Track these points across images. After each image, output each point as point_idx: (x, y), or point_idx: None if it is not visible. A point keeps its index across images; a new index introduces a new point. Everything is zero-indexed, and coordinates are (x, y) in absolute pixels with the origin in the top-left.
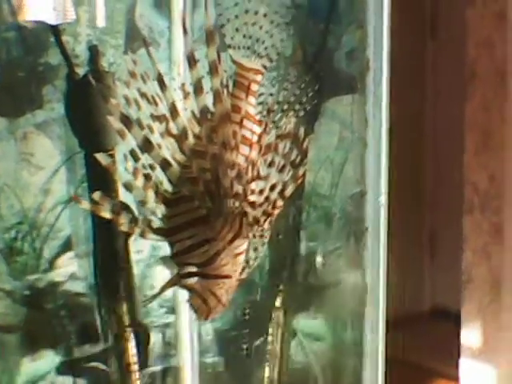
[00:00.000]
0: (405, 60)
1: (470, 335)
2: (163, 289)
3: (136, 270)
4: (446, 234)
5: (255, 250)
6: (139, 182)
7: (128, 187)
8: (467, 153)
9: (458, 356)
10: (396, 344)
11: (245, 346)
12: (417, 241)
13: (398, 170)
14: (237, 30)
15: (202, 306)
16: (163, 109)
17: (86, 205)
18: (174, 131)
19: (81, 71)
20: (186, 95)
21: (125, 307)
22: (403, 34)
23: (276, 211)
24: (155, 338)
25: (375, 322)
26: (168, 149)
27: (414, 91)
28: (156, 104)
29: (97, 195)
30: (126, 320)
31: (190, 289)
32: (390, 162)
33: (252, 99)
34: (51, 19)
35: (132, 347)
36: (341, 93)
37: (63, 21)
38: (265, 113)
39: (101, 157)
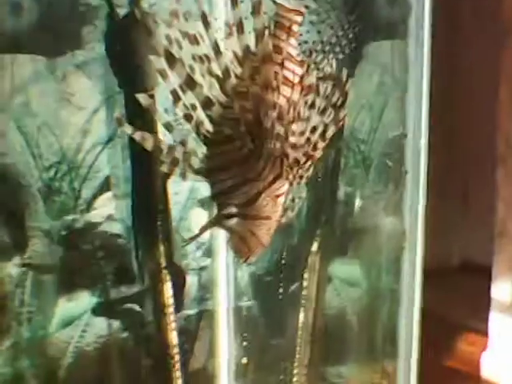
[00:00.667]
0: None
1: (501, 289)
2: (203, 229)
3: (173, 211)
4: (478, 187)
5: (296, 192)
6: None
7: (168, 128)
8: (500, 103)
9: (488, 310)
10: (425, 297)
11: (280, 291)
12: (448, 194)
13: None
14: None
15: (242, 247)
16: (205, 48)
17: (128, 129)
18: (216, 71)
19: (121, 11)
20: (228, 35)
21: (162, 249)
22: None
23: (317, 153)
24: (191, 281)
25: (412, 269)
26: (210, 88)
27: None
28: (198, 44)
29: (138, 134)
30: (163, 262)
31: (230, 229)
32: (430, 106)
33: (293, 40)
34: None
35: (168, 289)
36: (382, 37)
37: None
38: (307, 54)
39: (141, 97)
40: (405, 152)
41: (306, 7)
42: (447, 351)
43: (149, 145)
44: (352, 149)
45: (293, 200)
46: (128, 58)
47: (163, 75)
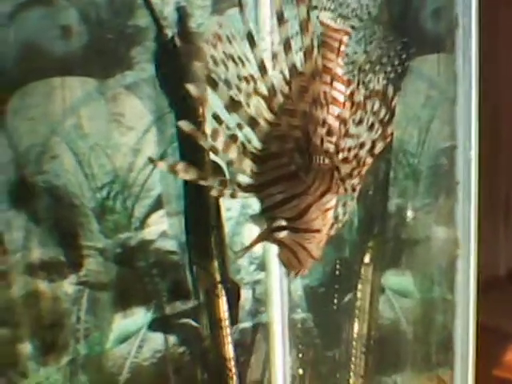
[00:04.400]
0: None
1: None
2: (254, 243)
3: (226, 227)
4: None
5: (344, 205)
6: (220, 143)
7: (213, 150)
8: None
9: None
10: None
11: (334, 302)
12: (491, 204)
13: None
14: None
15: (292, 260)
16: (251, 69)
17: (181, 173)
18: (263, 90)
19: (169, 32)
20: (274, 55)
21: (216, 264)
22: None
23: (365, 168)
24: (245, 295)
25: (466, 278)
26: (256, 107)
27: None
28: (243, 64)
29: (181, 165)
30: (217, 277)
31: (280, 243)
32: (479, 117)
33: (339, 59)
34: None
35: (223, 303)
36: (427, 51)
37: None
38: (355, 72)
39: (183, 124)
40: (455, 163)
41: (353, 27)
42: (497, 361)
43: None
44: (401, 161)
45: (343, 213)
46: (176, 78)
47: (202, 103)
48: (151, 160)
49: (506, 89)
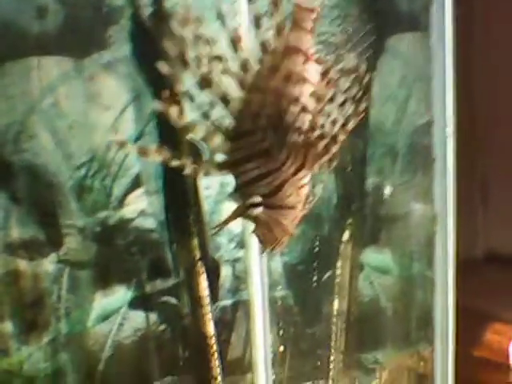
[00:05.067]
0: None
1: None
2: (229, 219)
3: (205, 205)
4: (498, 176)
5: (318, 182)
6: (192, 122)
7: (189, 128)
8: None
9: None
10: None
11: (314, 279)
12: (469, 183)
13: None
14: None
15: (268, 236)
16: (221, 48)
17: (153, 156)
18: (234, 69)
19: (145, 12)
20: (245, 32)
21: (195, 242)
22: None
23: (338, 145)
24: (225, 272)
25: (444, 254)
26: (227, 85)
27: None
28: (214, 43)
29: (154, 146)
30: (197, 254)
31: (255, 219)
32: (457, 95)
33: (309, 37)
34: None
35: (203, 281)
36: (402, 30)
37: None
38: (327, 50)
39: (156, 104)
40: (432, 140)
41: (324, 3)
42: (476, 342)
43: (171, 162)
44: (378, 140)
45: (316, 190)
46: (153, 57)
47: (175, 77)
48: (122, 143)
49: (483, 67)
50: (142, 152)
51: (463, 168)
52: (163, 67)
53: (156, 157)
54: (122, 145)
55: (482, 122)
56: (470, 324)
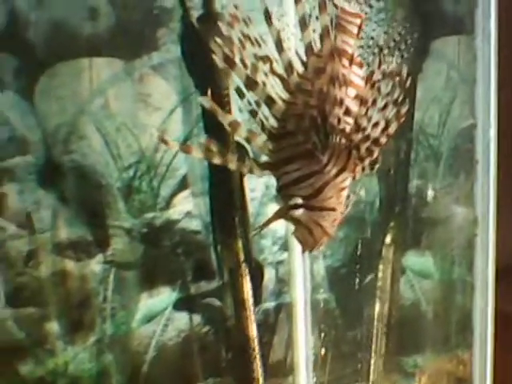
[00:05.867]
0: None
1: None
2: (270, 220)
3: (250, 207)
4: None
5: (359, 185)
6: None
7: (234, 127)
8: None
9: None
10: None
11: (356, 282)
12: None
13: None
14: None
15: (308, 238)
16: (267, 49)
17: (196, 152)
18: (279, 70)
19: (195, 14)
20: (291, 34)
21: (240, 244)
22: None
23: (379, 148)
24: (269, 275)
25: (485, 258)
26: (272, 86)
27: None
28: (259, 45)
29: (203, 140)
30: (241, 257)
31: (296, 221)
32: (499, 97)
33: (352, 41)
34: None
35: (247, 283)
36: (448, 33)
37: None
38: (370, 53)
39: (204, 100)
40: (475, 143)
41: (371, 6)
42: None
43: (215, 160)
44: (422, 143)
45: (356, 193)
46: (203, 58)
47: (225, 74)
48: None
49: None
50: (185, 149)
51: (505, 171)
52: (218, 61)
53: (198, 153)
54: (165, 142)
55: None
56: (508, 329)
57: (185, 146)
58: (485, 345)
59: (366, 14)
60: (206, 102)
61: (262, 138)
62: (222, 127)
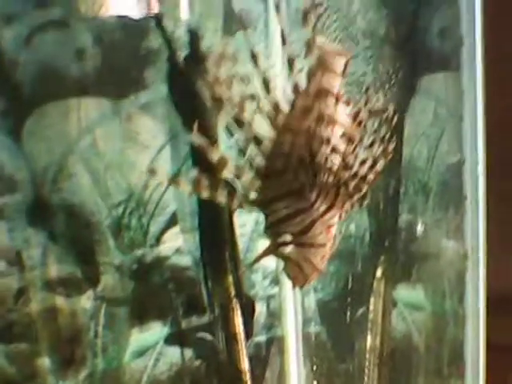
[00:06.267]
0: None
1: None
2: (260, 257)
3: (240, 243)
4: None
5: (347, 221)
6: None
7: (222, 164)
8: None
9: None
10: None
11: (347, 316)
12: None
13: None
14: (330, 12)
15: (298, 274)
16: (254, 88)
17: (185, 186)
18: (266, 109)
19: (181, 54)
20: (277, 74)
21: (230, 279)
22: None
23: (367, 186)
24: (260, 309)
25: (475, 291)
26: (260, 126)
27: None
28: (247, 83)
29: (193, 173)
30: (232, 292)
31: (286, 257)
32: (486, 133)
33: (338, 80)
34: (134, 13)
35: (238, 318)
36: (434, 70)
37: (147, 14)
38: (357, 91)
39: (194, 136)
40: (463, 178)
41: (357, 43)
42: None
43: (204, 194)
44: (411, 178)
45: (344, 229)
46: (190, 97)
47: (214, 114)
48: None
49: None
50: (174, 182)
51: (493, 207)
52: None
53: (187, 187)
54: (154, 173)
55: None
56: (502, 363)
57: (174, 180)
58: (477, 376)
59: (351, 52)
60: (196, 138)
61: (250, 176)
62: (210, 164)
